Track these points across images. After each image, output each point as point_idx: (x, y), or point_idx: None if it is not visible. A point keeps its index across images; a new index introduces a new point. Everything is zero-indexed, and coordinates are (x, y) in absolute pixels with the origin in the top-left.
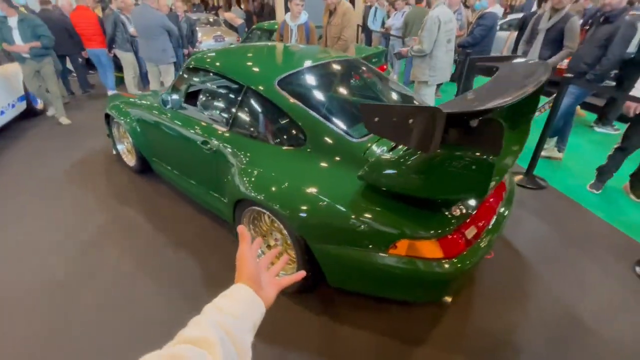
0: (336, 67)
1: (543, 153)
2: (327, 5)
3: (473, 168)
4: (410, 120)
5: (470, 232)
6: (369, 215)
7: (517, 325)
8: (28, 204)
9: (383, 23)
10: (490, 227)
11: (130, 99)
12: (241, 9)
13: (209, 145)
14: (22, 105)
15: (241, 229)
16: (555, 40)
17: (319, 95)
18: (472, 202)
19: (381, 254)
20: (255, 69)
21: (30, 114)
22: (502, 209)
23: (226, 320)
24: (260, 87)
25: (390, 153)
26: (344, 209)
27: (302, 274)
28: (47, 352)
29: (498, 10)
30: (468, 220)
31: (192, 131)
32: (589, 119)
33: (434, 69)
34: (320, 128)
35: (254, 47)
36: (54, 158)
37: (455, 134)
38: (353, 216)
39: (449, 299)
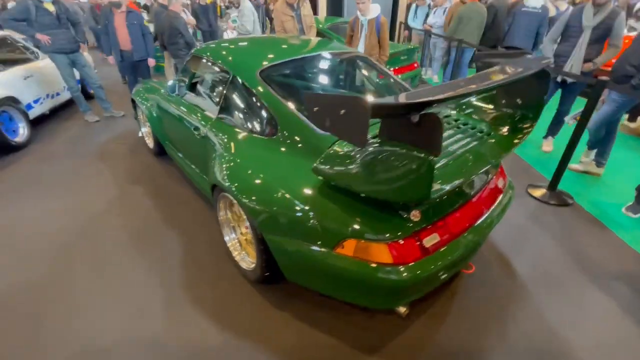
0: (323, 60)
1: (579, 167)
2: None
3: (413, 167)
4: (342, 111)
5: (430, 241)
6: (319, 210)
7: (489, 348)
8: (61, 175)
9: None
10: (461, 238)
11: (150, 85)
12: None
13: (199, 131)
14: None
15: None
16: (602, 38)
17: (297, 86)
18: (437, 209)
19: (328, 252)
20: (243, 59)
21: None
22: (485, 221)
23: None
24: (243, 76)
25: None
26: (296, 201)
27: None
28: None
29: None
30: (428, 227)
31: (189, 117)
32: None
33: None
34: (290, 118)
35: (255, 39)
36: (95, 137)
37: (397, 129)
38: (305, 209)
39: (403, 310)
